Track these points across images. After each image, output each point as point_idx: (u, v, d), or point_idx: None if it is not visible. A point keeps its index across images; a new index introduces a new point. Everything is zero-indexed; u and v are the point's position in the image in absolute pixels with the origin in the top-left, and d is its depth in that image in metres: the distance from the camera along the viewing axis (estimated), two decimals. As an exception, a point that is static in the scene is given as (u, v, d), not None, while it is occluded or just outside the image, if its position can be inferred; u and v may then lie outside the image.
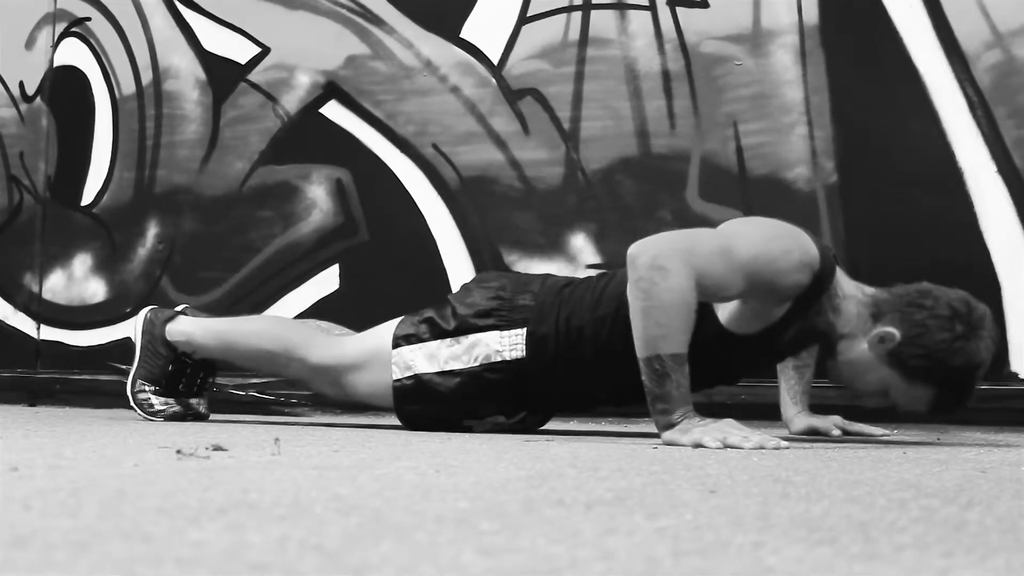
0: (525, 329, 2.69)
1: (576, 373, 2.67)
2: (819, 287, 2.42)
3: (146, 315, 3.15)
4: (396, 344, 2.81)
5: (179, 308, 3.18)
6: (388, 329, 2.85)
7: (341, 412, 3.58)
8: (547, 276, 2.90)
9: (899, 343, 2.41)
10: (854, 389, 2.56)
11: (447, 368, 2.74)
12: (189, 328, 3.09)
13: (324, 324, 3.10)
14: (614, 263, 3.14)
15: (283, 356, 2.97)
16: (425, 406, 2.77)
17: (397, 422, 2.88)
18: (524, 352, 2.69)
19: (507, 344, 2.70)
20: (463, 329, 2.74)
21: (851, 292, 2.49)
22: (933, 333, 2.40)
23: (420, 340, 2.78)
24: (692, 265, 2.31)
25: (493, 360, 2.71)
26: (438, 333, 2.76)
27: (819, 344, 2.57)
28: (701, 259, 2.33)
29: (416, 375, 2.77)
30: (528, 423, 2.83)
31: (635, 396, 2.44)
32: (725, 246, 2.37)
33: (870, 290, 2.51)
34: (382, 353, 2.82)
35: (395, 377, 2.79)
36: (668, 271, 2.30)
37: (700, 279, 2.32)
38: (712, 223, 2.63)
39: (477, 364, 2.71)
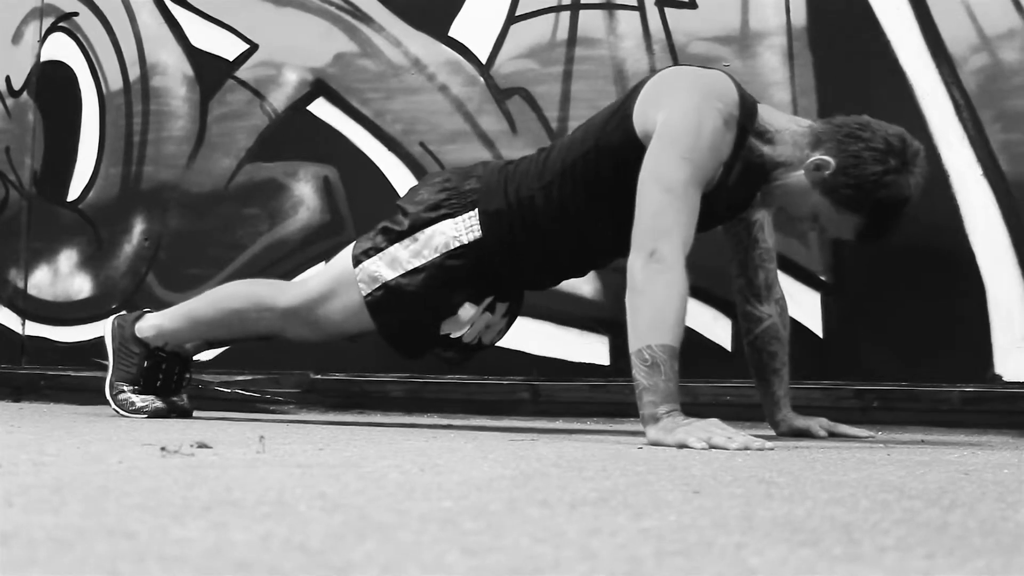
0: (477, 209, 2.73)
1: (534, 242, 2.71)
2: (745, 131, 2.53)
3: (113, 322, 3.18)
4: (357, 262, 2.82)
5: (144, 311, 3.20)
6: (346, 253, 2.88)
7: (327, 410, 3.58)
8: (487, 162, 2.97)
9: (833, 171, 2.50)
10: (786, 213, 2.69)
11: (410, 268, 2.75)
12: (157, 320, 3.12)
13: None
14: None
15: (252, 311, 2.99)
16: (399, 311, 2.78)
17: (382, 420, 2.88)
18: (480, 232, 2.71)
19: (463, 228, 2.72)
20: (417, 225, 2.76)
21: (784, 124, 2.60)
22: (867, 165, 2.49)
23: (379, 250, 2.80)
24: (682, 238, 2.38)
25: (452, 247, 2.73)
26: (394, 237, 2.78)
27: (759, 177, 2.61)
28: (682, 223, 2.39)
29: (384, 284, 2.78)
30: (498, 312, 2.82)
31: (594, 261, 2.57)
32: (683, 178, 2.41)
33: (806, 122, 2.62)
34: (346, 275, 2.84)
35: (364, 293, 2.80)
36: (664, 266, 2.36)
37: (688, 233, 2.39)
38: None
39: (438, 255, 2.73)
